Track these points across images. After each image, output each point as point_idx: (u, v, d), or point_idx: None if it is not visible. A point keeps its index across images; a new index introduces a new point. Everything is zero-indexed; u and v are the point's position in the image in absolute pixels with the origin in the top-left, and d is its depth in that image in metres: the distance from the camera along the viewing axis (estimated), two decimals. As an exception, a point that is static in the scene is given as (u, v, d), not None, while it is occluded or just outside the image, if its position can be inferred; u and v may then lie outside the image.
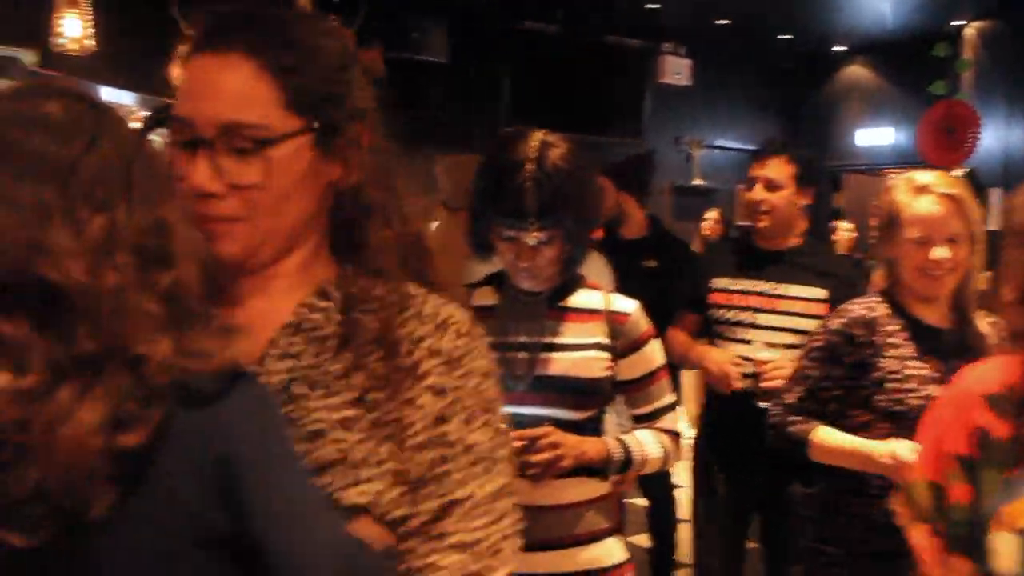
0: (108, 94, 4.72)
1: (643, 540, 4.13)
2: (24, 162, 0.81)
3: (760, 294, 2.88)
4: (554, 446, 1.77)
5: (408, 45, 7.33)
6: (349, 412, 0.97)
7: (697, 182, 9.39)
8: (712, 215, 7.94)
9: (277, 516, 0.84)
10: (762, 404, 2.65)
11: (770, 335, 2.82)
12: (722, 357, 2.84)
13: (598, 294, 1.95)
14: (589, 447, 1.84)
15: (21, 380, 0.78)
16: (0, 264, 0.79)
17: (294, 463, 0.89)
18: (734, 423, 2.87)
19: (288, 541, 0.84)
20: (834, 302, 2.72)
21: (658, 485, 3.97)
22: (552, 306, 1.91)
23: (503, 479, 1.03)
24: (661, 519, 4.07)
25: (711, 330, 2.99)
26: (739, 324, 2.89)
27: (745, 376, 2.77)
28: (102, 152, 0.84)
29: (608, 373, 1.89)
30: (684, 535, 4.02)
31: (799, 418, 2.20)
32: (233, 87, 0.94)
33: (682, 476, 4.00)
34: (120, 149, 0.85)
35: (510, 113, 7.93)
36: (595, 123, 7.76)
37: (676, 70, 8.66)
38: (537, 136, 1.82)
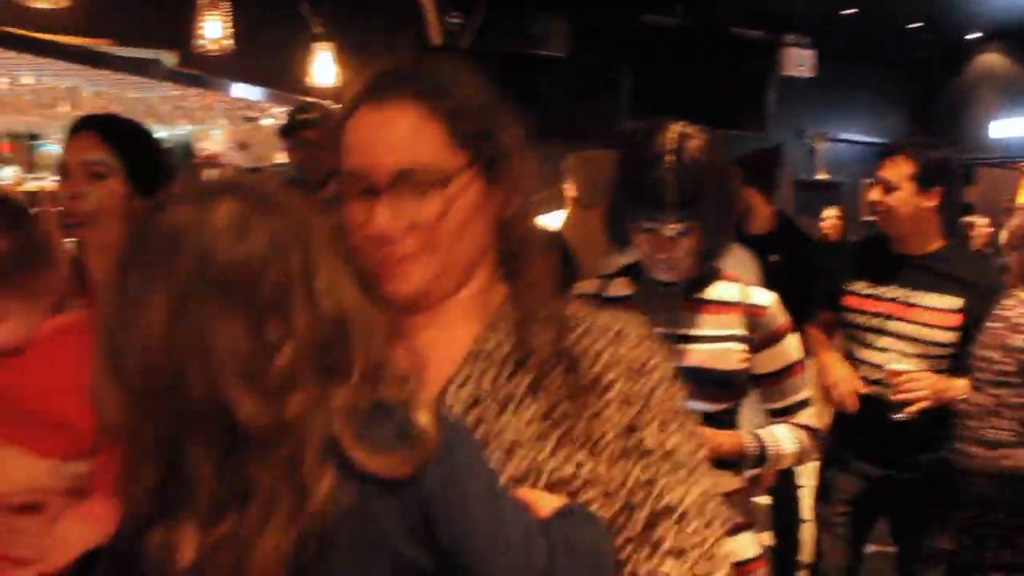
0: (240, 90, 4.89)
1: (765, 538, 4.07)
2: (207, 281, 0.82)
3: (893, 301, 2.77)
4: (690, 437, 1.77)
5: (528, 40, 7.38)
6: (538, 427, 1.00)
7: (821, 176, 9.17)
8: (832, 212, 7.68)
9: (475, 548, 0.85)
10: (895, 416, 2.59)
11: (901, 344, 2.73)
12: (844, 374, 2.77)
13: (735, 286, 1.93)
14: (724, 440, 1.84)
15: (210, 533, 0.81)
16: (190, 397, 0.80)
17: (487, 489, 0.89)
18: (861, 426, 2.81)
19: (490, 566, 0.86)
20: (968, 311, 2.63)
21: (782, 483, 3.91)
22: (688, 297, 1.91)
23: (707, 482, 1.05)
24: (784, 517, 4.01)
25: (845, 331, 2.93)
26: (870, 330, 2.80)
27: (873, 382, 2.72)
28: (280, 253, 0.85)
29: (744, 365, 1.88)
30: (806, 534, 3.95)
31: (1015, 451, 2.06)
32: (405, 133, 1.00)
33: (804, 475, 3.92)
34: (296, 238, 0.86)
35: (630, 107, 7.90)
36: (717, 117, 7.54)
37: (799, 62, 8.46)
38: (676, 128, 1.83)
